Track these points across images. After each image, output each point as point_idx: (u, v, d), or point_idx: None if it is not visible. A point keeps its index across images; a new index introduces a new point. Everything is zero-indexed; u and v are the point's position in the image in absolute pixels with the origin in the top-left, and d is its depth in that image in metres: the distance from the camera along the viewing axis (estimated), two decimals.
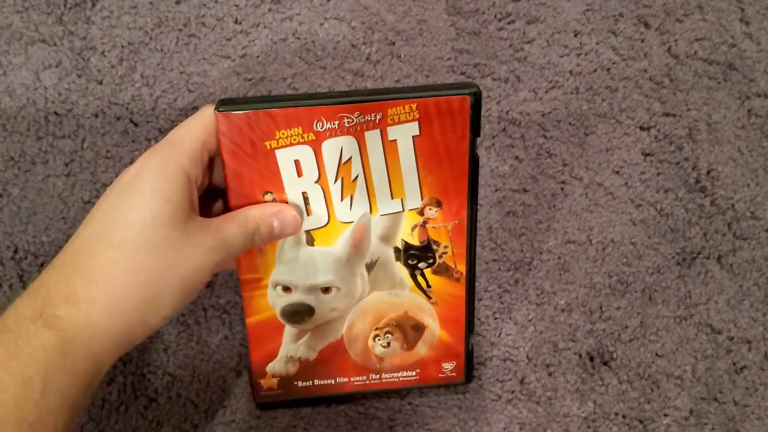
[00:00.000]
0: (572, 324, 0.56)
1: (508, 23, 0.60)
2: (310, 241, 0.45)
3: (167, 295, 0.37)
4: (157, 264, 0.36)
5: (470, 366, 0.52)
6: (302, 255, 0.46)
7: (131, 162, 0.54)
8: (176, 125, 0.52)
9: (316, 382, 0.51)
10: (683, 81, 0.60)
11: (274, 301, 0.47)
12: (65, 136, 0.55)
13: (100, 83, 0.57)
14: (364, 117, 0.42)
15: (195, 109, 0.56)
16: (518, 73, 0.60)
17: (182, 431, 0.52)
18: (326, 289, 0.47)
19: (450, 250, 0.47)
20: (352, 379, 0.51)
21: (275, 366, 0.49)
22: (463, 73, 0.59)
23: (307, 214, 0.44)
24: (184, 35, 0.57)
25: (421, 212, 0.46)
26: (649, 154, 0.59)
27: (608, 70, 0.60)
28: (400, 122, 0.43)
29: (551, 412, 0.54)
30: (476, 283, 0.56)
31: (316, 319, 0.48)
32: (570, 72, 0.60)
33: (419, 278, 0.48)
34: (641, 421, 0.55)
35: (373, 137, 0.43)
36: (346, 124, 0.42)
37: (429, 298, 0.49)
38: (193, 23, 0.57)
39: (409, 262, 0.47)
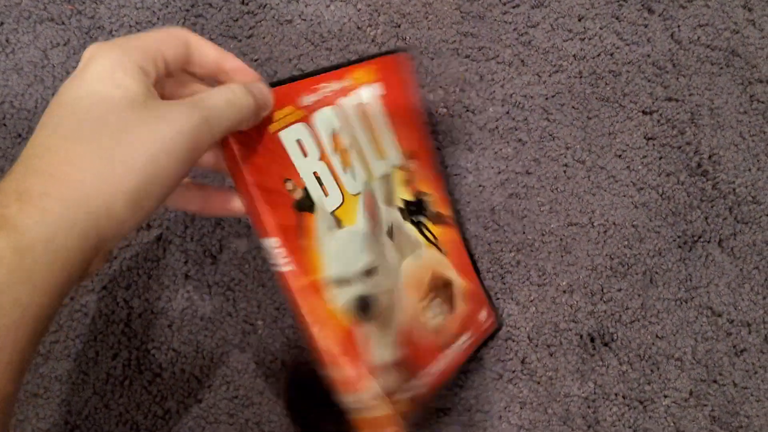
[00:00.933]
0: (573, 305, 0.56)
1: (513, 7, 0.60)
2: (339, 224, 0.43)
3: (135, 177, 0.32)
4: (118, 144, 0.32)
5: (495, 306, 0.51)
6: (339, 241, 0.43)
7: None
8: None
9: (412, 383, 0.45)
10: (686, 66, 0.61)
11: (336, 302, 0.42)
12: None
13: None
14: (338, 83, 0.44)
15: None
16: (522, 57, 0.60)
17: (186, 406, 0.53)
18: (369, 272, 0.44)
19: (434, 197, 0.50)
20: (431, 369, 0.46)
21: (382, 379, 0.42)
22: (467, 56, 0.60)
23: (325, 195, 0.43)
24: (191, 15, 0.58)
25: (405, 168, 0.48)
26: (651, 138, 0.59)
27: (612, 54, 0.61)
28: (366, 83, 0.46)
29: (552, 391, 0.55)
30: (479, 264, 0.56)
31: (378, 307, 0.44)
32: (574, 56, 0.60)
33: (426, 233, 0.49)
34: (641, 402, 0.55)
35: (348, 104, 0.45)
36: (326, 94, 0.44)
37: (440, 250, 0.49)
38: (200, 3, 0.58)
39: (412, 218, 0.48)
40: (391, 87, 0.47)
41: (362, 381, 0.41)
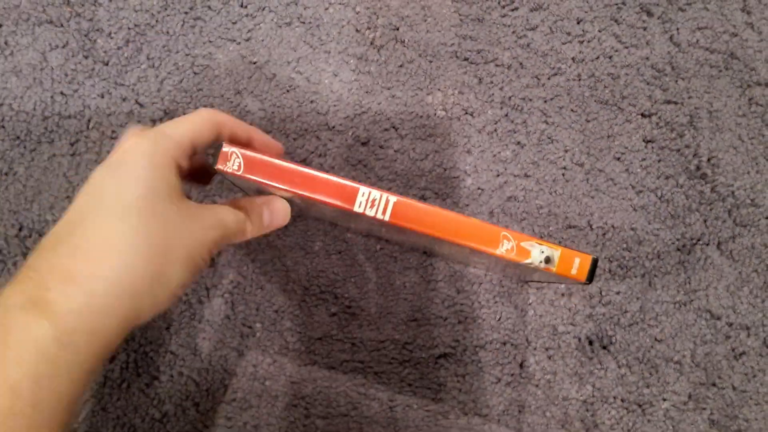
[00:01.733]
0: (572, 308, 0.56)
1: (512, 10, 0.60)
2: None
3: (176, 266, 0.34)
4: (165, 233, 0.34)
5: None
6: None
7: None
8: (181, 106, 0.53)
9: None
10: (685, 69, 0.61)
11: None
12: (71, 116, 0.56)
13: (107, 64, 0.57)
14: None
15: (200, 90, 0.57)
16: (521, 60, 0.60)
17: (184, 409, 0.53)
18: None
19: None
20: None
21: None
22: (466, 59, 0.60)
23: None
24: (190, 18, 0.58)
25: None
26: (650, 141, 0.59)
27: (610, 57, 0.61)
28: None
29: (550, 395, 0.55)
30: (474, 268, 0.56)
31: None
32: (572, 59, 0.60)
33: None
34: (640, 405, 0.55)
35: None
36: None
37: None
38: (199, 6, 0.58)
39: None
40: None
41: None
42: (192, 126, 0.38)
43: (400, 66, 0.59)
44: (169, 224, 0.35)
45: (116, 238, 0.32)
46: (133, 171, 0.34)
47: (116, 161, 0.35)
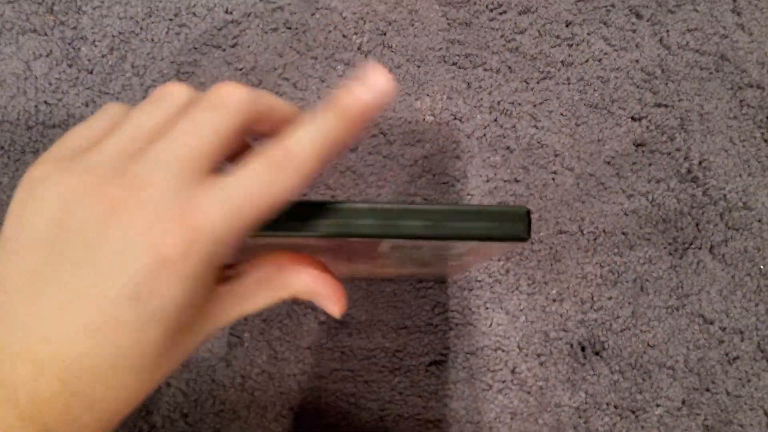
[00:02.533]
0: (563, 314, 0.56)
1: (500, 13, 0.60)
2: None
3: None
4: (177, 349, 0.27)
5: None
6: None
7: None
8: None
9: None
10: (675, 72, 0.60)
11: None
12: (55, 126, 0.55)
13: (91, 73, 0.57)
14: None
15: None
16: (510, 64, 0.60)
17: (172, 421, 0.52)
18: None
19: None
20: None
21: None
22: (454, 64, 0.59)
23: None
24: (174, 25, 0.57)
25: None
26: (640, 145, 0.59)
27: (600, 60, 0.60)
28: None
29: (542, 401, 0.54)
30: (467, 273, 0.56)
31: None
32: (561, 62, 0.60)
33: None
34: (633, 412, 0.54)
35: None
36: None
37: None
38: (183, 13, 0.57)
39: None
40: None
41: None
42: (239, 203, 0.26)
43: (388, 71, 0.58)
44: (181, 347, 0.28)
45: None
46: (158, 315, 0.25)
47: (135, 292, 0.25)
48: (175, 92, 0.30)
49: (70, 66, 0.56)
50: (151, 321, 0.25)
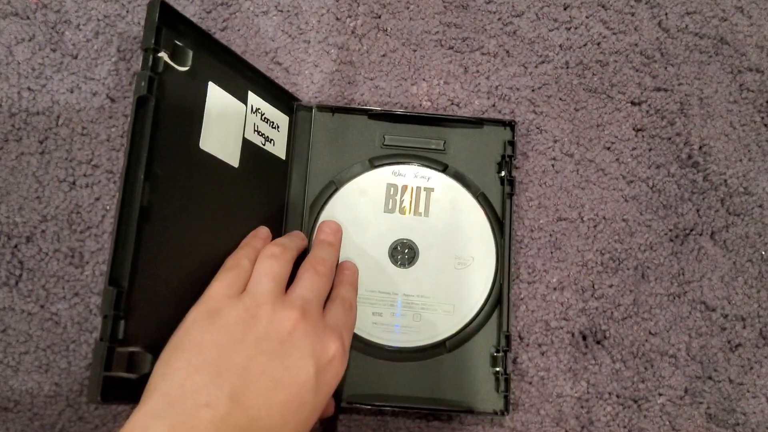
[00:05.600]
0: (564, 302, 0.55)
1: None
2: None
3: None
4: None
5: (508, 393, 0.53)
6: None
7: (108, 139, 0.52)
8: None
9: None
10: (674, 55, 0.59)
11: None
12: (39, 113, 0.53)
13: (75, 57, 0.54)
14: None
15: None
16: (507, 48, 0.58)
17: None
18: None
19: None
20: None
21: None
22: (451, 48, 0.58)
23: None
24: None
25: None
26: (640, 130, 0.58)
27: (599, 44, 0.59)
28: None
29: (544, 392, 0.53)
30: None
31: None
32: (560, 46, 0.59)
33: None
34: (635, 401, 0.53)
35: None
36: None
37: None
38: None
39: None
40: None
41: None
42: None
43: (383, 55, 0.57)
44: None
45: None
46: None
47: (315, 383, 0.38)
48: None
49: (53, 51, 0.54)
50: (322, 402, 0.39)
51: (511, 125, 0.55)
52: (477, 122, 0.54)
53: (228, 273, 0.41)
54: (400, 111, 0.54)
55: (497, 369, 0.51)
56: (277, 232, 0.50)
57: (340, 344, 0.40)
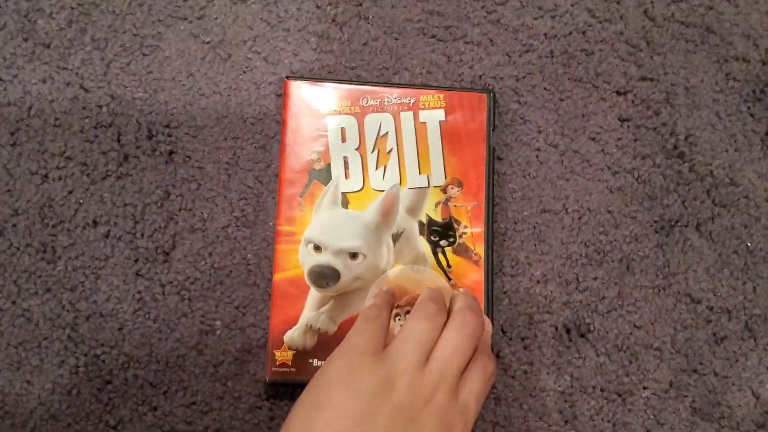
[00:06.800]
0: (548, 295, 0.54)
1: None
2: (345, 204, 0.51)
3: None
4: None
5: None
6: (336, 216, 0.51)
7: (81, 131, 0.51)
8: (130, 91, 0.49)
9: None
10: (660, 44, 0.58)
11: (304, 259, 0.50)
12: (11, 103, 0.52)
13: (48, 47, 0.53)
14: (400, 99, 0.52)
15: (150, 73, 0.53)
16: (491, 36, 0.57)
17: (140, 414, 0.49)
18: (354, 255, 0.50)
19: (469, 231, 0.52)
20: None
21: (294, 335, 0.49)
22: (433, 36, 0.56)
23: (346, 178, 0.51)
24: None
25: (444, 190, 0.52)
26: (626, 120, 0.57)
27: (584, 33, 0.58)
28: (429, 108, 0.53)
29: (527, 386, 0.52)
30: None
31: (340, 286, 0.50)
32: (545, 35, 0.58)
33: (440, 256, 0.51)
34: (620, 395, 0.53)
35: (406, 117, 0.52)
36: (386, 103, 0.52)
37: (449, 279, 0.51)
38: None
39: (432, 237, 0.51)
40: (454, 117, 0.53)
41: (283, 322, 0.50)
42: None
43: (365, 44, 0.56)
44: None
45: None
46: None
47: None
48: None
49: (25, 40, 0.53)
50: None
51: (489, 92, 0.54)
52: (453, 91, 0.54)
53: (369, 324, 0.41)
54: (375, 81, 0.55)
55: None
56: None
57: (464, 422, 0.39)
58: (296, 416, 0.38)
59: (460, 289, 0.49)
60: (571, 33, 0.58)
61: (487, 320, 0.47)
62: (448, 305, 0.45)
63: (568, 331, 0.54)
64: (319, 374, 0.39)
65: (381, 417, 0.37)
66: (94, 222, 0.51)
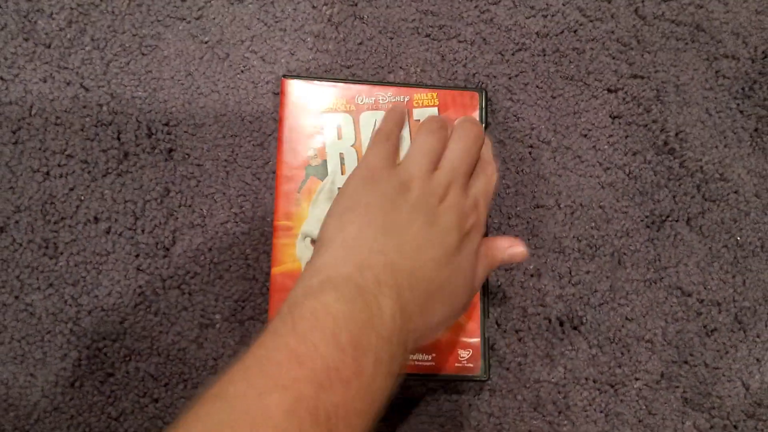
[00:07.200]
0: (541, 289, 0.55)
1: None
2: None
3: None
4: None
5: (487, 357, 0.51)
6: None
7: (82, 129, 0.52)
8: (129, 90, 0.50)
9: None
10: (651, 42, 0.60)
11: (302, 252, 0.51)
12: (12, 102, 0.53)
13: (48, 47, 0.54)
14: (395, 97, 0.54)
15: (149, 72, 0.54)
16: (484, 35, 0.58)
17: (141, 406, 0.50)
18: None
19: None
20: None
21: None
22: (428, 35, 0.58)
23: (342, 173, 0.52)
24: None
25: None
26: (617, 117, 0.58)
27: (575, 31, 0.59)
28: (423, 106, 0.54)
29: (521, 377, 0.53)
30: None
31: None
32: (537, 34, 0.59)
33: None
34: (612, 386, 0.54)
35: None
36: (381, 101, 0.54)
37: None
38: None
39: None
40: (449, 116, 0.54)
41: None
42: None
43: (360, 43, 0.57)
44: None
45: None
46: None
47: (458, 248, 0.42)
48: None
49: (26, 40, 0.54)
50: (465, 266, 0.42)
51: (481, 90, 0.55)
52: (446, 89, 0.55)
53: (383, 144, 0.44)
54: (370, 79, 0.57)
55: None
56: None
57: (476, 217, 0.43)
58: (330, 219, 0.41)
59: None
60: (562, 32, 0.59)
61: (487, 136, 0.49)
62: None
63: (561, 324, 0.55)
64: (341, 192, 0.43)
65: (404, 209, 0.41)
66: (96, 218, 0.52)
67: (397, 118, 0.47)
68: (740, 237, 0.57)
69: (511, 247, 0.46)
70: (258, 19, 0.56)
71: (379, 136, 0.45)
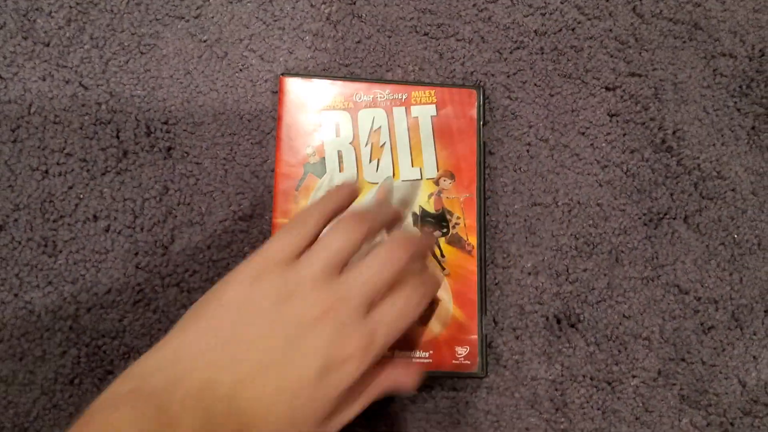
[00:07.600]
0: (539, 287, 0.55)
1: None
2: None
3: None
4: None
5: (485, 354, 0.51)
6: None
7: (81, 127, 0.52)
8: (128, 88, 0.50)
9: None
10: (648, 41, 0.60)
11: None
12: (11, 101, 0.53)
13: (47, 45, 0.54)
14: (392, 95, 0.54)
15: (147, 71, 0.54)
16: (482, 34, 0.58)
17: None
18: None
19: (462, 222, 0.53)
20: None
21: None
22: (426, 34, 0.58)
23: (340, 171, 0.53)
24: None
25: (436, 182, 0.53)
26: (614, 115, 0.58)
27: (573, 29, 0.59)
28: (421, 103, 0.54)
29: (519, 375, 0.54)
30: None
31: None
32: (535, 32, 0.59)
33: (434, 247, 0.52)
34: (609, 383, 0.54)
35: (399, 113, 0.54)
36: (379, 99, 0.54)
37: (443, 268, 0.52)
38: None
39: (425, 228, 0.52)
40: (445, 112, 0.54)
41: None
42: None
43: (358, 42, 0.57)
44: None
45: None
46: None
47: (323, 372, 0.36)
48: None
49: (25, 38, 0.54)
50: (323, 402, 0.35)
51: (479, 88, 0.55)
52: (443, 87, 0.55)
53: (288, 233, 0.38)
54: (368, 77, 0.56)
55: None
56: None
57: (362, 345, 0.36)
58: (187, 313, 0.37)
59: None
60: (560, 30, 0.59)
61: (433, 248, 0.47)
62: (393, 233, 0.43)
63: (558, 322, 0.55)
64: (224, 278, 0.37)
65: (267, 319, 0.35)
66: (95, 216, 0.52)
67: (333, 201, 0.40)
68: (737, 235, 0.57)
69: (398, 378, 0.40)
70: (256, 17, 0.56)
71: (293, 221, 0.39)
